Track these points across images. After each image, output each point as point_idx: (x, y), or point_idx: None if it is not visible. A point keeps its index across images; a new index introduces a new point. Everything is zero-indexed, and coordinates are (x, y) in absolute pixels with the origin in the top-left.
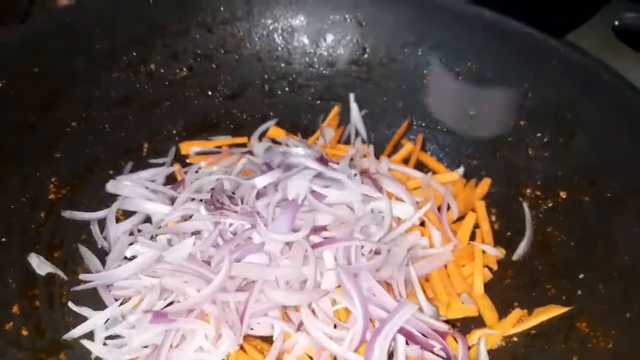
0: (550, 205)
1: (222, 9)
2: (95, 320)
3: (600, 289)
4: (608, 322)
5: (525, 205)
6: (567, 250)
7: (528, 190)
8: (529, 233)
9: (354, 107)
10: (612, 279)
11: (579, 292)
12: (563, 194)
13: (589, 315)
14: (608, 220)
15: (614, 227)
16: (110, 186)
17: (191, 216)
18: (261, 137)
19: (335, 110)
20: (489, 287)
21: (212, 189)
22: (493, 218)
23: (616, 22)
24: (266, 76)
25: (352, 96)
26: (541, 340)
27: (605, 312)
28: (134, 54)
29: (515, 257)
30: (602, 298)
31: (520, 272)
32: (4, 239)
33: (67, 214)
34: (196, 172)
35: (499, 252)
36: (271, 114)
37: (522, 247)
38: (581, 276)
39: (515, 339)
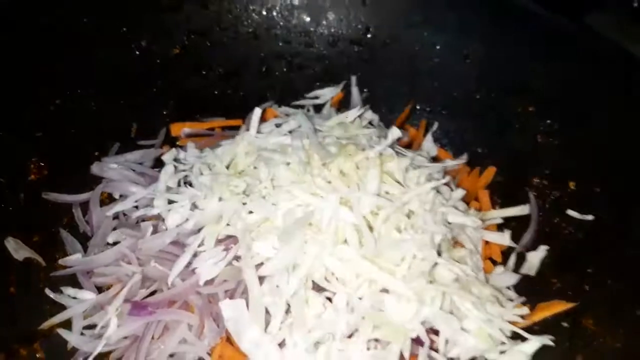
0: (557, 195)
1: None
2: (73, 309)
3: (609, 284)
4: (616, 320)
5: (531, 195)
6: (575, 243)
7: (535, 180)
8: (534, 223)
9: (354, 90)
10: (621, 274)
11: (586, 287)
12: (572, 185)
13: (595, 312)
14: (619, 213)
15: (625, 219)
16: (95, 168)
17: None
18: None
19: (339, 96)
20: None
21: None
22: (497, 208)
23: (635, 4)
24: (263, 55)
25: (353, 79)
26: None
27: (613, 309)
28: (123, 29)
29: (519, 248)
30: (610, 294)
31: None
32: None
33: (49, 195)
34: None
35: (506, 238)
36: (268, 95)
37: (526, 238)
38: (589, 270)
39: None
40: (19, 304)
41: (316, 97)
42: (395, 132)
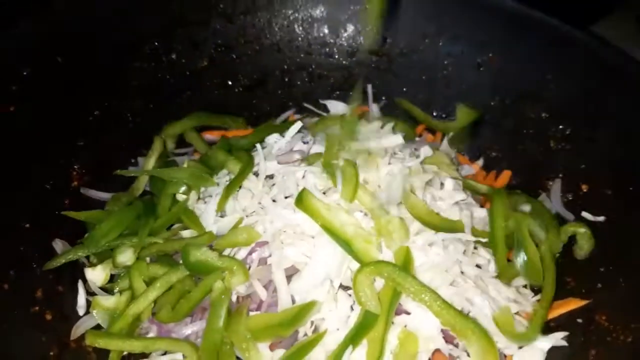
0: (570, 198)
1: None
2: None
3: (621, 282)
4: (628, 316)
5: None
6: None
7: (549, 183)
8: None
9: (370, 99)
10: (633, 273)
11: (599, 286)
12: (584, 187)
13: (608, 308)
14: (631, 214)
15: (635, 221)
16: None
17: None
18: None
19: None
20: None
21: None
22: None
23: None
24: (285, 67)
25: (369, 87)
26: (559, 332)
27: (625, 306)
28: (156, 44)
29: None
30: (623, 292)
31: None
32: (27, 225)
33: (87, 191)
34: None
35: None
36: (290, 104)
37: None
38: (601, 269)
39: None
40: (67, 302)
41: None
42: (426, 151)
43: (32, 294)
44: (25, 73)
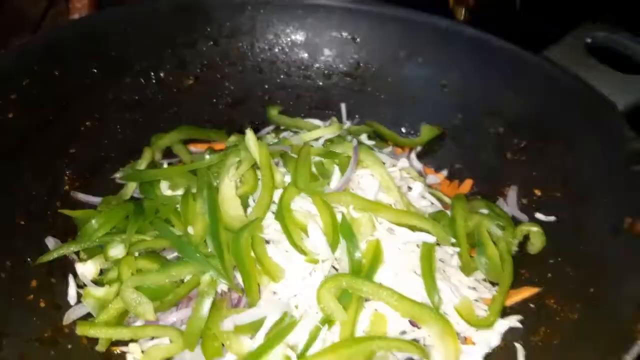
0: (525, 202)
1: (227, 23)
2: None
3: (569, 272)
4: (574, 298)
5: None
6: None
7: (506, 189)
8: None
9: (344, 115)
10: (579, 264)
11: (549, 275)
12: (538, 192)
13: (557, 293)
14: (577, 214)
15: (581, 219)
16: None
17: None
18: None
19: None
20: None
21: None
22: None
23: (588, 40)
24: (267, 86)
25: (343, 106)
26: (514, 315)
27: (571, 290)
28: (145, 62)
29: None
30: (570, 279)
31: None
32: (22, 222)
33: (77, 195)
34: None
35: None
36: (270, 120)
37: None
38: (552, 261)
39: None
40: (59, 292)
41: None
42: (403, 162)
43: (27, 284)
44: (24, 83)
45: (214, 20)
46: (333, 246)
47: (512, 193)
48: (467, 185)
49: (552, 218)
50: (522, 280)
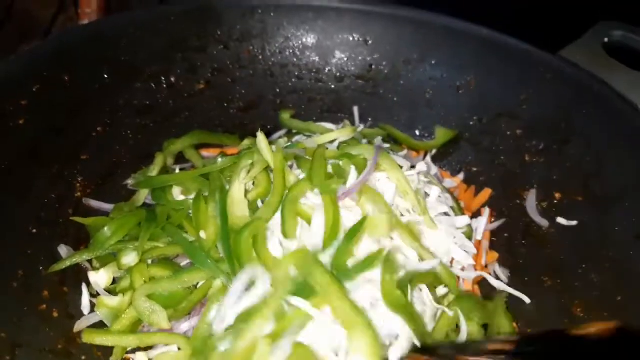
0: (545, 206)
1: (238, 27)
2: None
3: (593, 278)
4: (601, 306)
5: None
6: (562, 246)
7: (524, 193)
8: None
9: (357, 119)
10: (603, 270)
11: (576, 284)
12: (558, 195)
13: (583, 301)
14: (600, 218)
15: (604, 224)
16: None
17: None
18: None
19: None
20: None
21: None
22: (492, 219)
23: (606, 40)
24: (278, 90)
25: (355, 109)
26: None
27: (598, 298)
28: (156, 66)
29: None
30: (595, 286)
31: (520, 270)
32: (34, 230)
33: (89, 202)
34: None
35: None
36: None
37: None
38: (575, 268)
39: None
40: (72, 302)
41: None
42: (421, 166)
43: (40, 293)
44: (34, 89)
45: (225, 23)
46: (327, 241)
47: (531, 197)
48: (485, 194)
49: (574, 223)
50: (545, 288)
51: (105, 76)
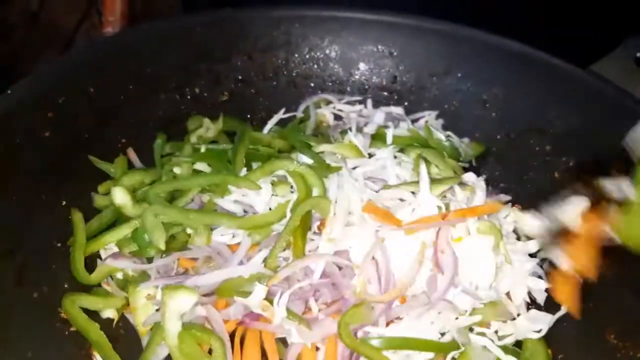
0: None
1: (262, 38)
2: None
3: (629, 304)
4: (637, 333)
5: None
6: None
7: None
8: None
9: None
10: (638, 294)
11: (610, 308)
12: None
13: (617, 327)
14: None
15: None
16: None
17: None
18: None
19: None
20: None
21: None
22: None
23: (638, 54)
24: (301, 102)
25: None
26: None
27: (632, 324)
28: (180, 77)
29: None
30: (630, 311)
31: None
32: (59, 244)
33: None
34: None
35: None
36: None
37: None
38: (610, 291)
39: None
40: None
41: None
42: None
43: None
44: (60, 101)
45: (249, 34)
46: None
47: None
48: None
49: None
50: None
51: (131, 87)
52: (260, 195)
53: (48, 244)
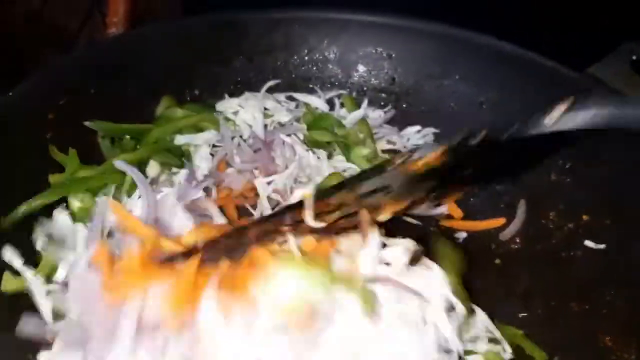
0: (571, 227)
1: (262, 40)
2: None
3: (622, 306)
4: (630, 335)
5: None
6: (590, 270)
7: (551, 214)
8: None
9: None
10: (632, 297)
11: (604, 311)
12: (585, 217)
13: (612, 330)
14: (629, 243)
15: (634, 248)
16: None
17: None
18: None
19: None
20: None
21: None
22: (517, 239)
23: (634, 57)
24: None
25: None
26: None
27: (626, 327)
28: (181, 79)
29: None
30: (623, 314)
31: (546, 293)
32: None
33: None
34: None
35: None
36: None
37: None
38: (603, 294)
39: None
40: None
41: None
42: None
43: None
44: (61, 103)
45: (249, 36)
46: None
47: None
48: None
49: (602, 246)
50: (572, 314)
51: (131, 89)
52: None
53: None
